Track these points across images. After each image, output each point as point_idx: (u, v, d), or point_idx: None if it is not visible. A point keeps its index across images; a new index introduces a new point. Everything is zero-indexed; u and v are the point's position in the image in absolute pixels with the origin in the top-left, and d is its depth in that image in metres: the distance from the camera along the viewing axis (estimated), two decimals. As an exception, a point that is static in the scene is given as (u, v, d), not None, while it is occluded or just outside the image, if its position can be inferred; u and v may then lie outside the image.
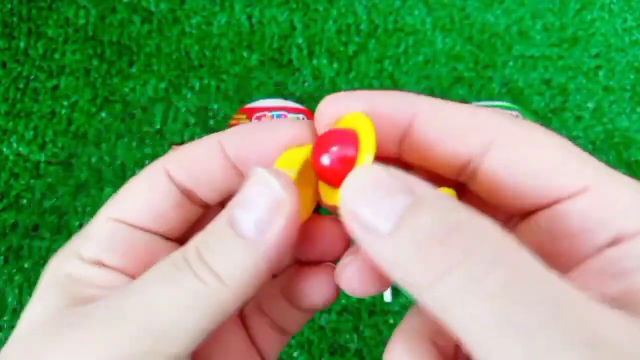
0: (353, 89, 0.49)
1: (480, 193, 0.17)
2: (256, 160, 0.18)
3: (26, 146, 0.46)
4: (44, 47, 0.50)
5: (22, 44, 0.50)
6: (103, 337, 0.14)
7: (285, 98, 0.48)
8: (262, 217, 0.14)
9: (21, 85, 0.48)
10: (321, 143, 0.16)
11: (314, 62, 0.51)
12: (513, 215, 0.17)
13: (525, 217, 0.16)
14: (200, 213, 0.19)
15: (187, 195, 0.18)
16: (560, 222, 0.15)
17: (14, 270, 0.42)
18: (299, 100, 0.48)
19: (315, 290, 0.18)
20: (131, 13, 0.52)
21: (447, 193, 0.15)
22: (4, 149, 0.46)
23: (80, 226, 0.43)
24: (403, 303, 0.42)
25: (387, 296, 0.41)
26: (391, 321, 0.41)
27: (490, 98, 0.50)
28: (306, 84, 0.50)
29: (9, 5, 0.52)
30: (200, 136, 0.50)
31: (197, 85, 0.49)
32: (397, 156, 0.17)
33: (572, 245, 0.15)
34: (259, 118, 0.45)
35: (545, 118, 0.49)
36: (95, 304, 0.15)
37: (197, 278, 0.14)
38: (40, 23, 0.51)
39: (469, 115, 0.16)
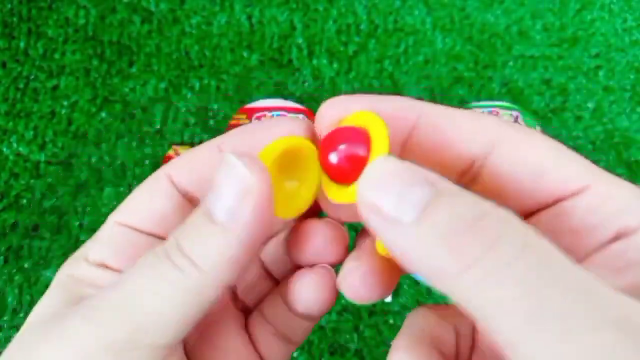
0: (353, 89, 0.49)
1: (484, 194, 0.17)
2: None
3: (26, 146, 0.46)
4: (44, 47, 0.50)
5: (22, 44, 0.50)
6: (85, 329, 0.15)
7: (285, 98, 0.48)
8: (231, 201, 0.15)
9: (21, 85, 0.48)
10: (330, 140, 0.16)
11: (314, 62, 0.51)
12: None
13: (528, 217, 0.17)
14: None
15: (189, 199, 0.18)
16: (563, 220, 0.15)
17: (14, 270, 0.42)
18: (299, 100, 0.48)
19: (309, 293, 0.18)
20: (131, 13, 0.52)
21: None
22: (4, 149, 0.46)
23: (80, 226, 0.43)
24: (403, 303, 0.42)
25: (387, 296, 0.41)
26: (391, 321, 0.41)
27: (490, 98, 0.50)
28: (306, 84, 0.50)
29: (9, 5, 0.52)
30: (200, 136, 0.50)
31: (197, 85, 0.49)
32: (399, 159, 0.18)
33: (576, 243, 0.15)
34: (259, 118, 0.45)
35: (545, 118, 0.49)
36: (85, 300, 0.16)
37: (175, 267, 0.15)
38: (40, 23, 0.51)
39: (471, 119, 0.17)
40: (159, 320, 0.15)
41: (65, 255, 0.42)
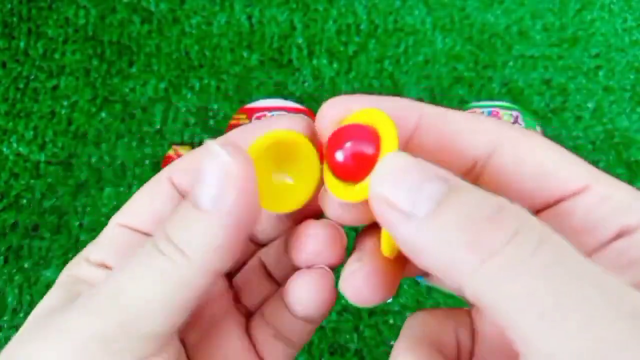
0: (353, 89, 0.49)
1: None
2: None
3: (26, 146, 0.46)
4: (44, 47, 0.50)
5: (22, 44, 0.50)
6: (78, 322, 0.15)
7: (285, 98, 0.48)
8: (215, 188, 0.15)
9: (21, 85, 0.48)
10: (336, 138, 0.16)
11: (314, 62, 0.51)
12: None
13: None
14: None
15: None
16: (564, 220, 0.15)
17: (14, 270, 0.42)
18: (299, 100, 0.48)
19: (306, 294, 0.18)
20: (131, 13, 0.52)
21: None
22: (4, 149, 0.46)
23: (80, 226, 0.43)
24: (403, 303, 0.42)
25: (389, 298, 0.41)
26: (391, 321, 0.41)
27: (490, 98, 0.50)
28: (306, 84, 0.50)
29: (9, 5, 0.52)
30: (200, 136, 0.50)
31: (197, 85, 0.49)
32: None
33: (578, 242, 0.15)
34: (259, 118, 0.45)
35: (545, 118, 0.49)
36: (80, 296, 0.16)
37: (162, 255, 0.15)
38: (40, 23, 0.51)
39: (471, 120, 0.17)
40: (148, 308, 0.15)
41: (65, 255, 0.42)
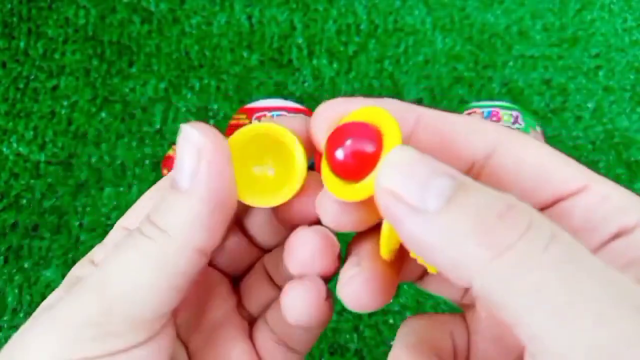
0: (353, 89, 0.49)
1: None
2: None
3: (26, 146, 0.46)
4: (44, 47, 0.50)
5: (22, 44, 0.50)
6: (67, 310, 0.15)
7: (285, 98, 0.48)
8: (189, 166, 0.15)
9: (21, 85, 0.48)
10: (337, 136, 0.16)
11: (314, 62, 0.51)
12: None
13: None
14: None
15: None
16: (563, 220, 0.15)
17: (14, 270, 0.42)
18: (299, 100, 0.48)
19: (296, 305, 0.17)
20: (131, 13, 0.52)
21: None
22: (4, 149, 0.46)
23: (80, 226, 0.43)
24: (403, 303, 0.42)
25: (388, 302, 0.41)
26: (391, 321, 0.41)
27: (490, 98, 0.50)
28: (306, 84, 0.50)
29: (9, 5, 0.52)
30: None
31: (197, 85, 0.49)
32: None
33: None
34: (259, 118, 0.45)
35: (545, 118, 0.49)
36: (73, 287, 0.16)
37: (148, 239, 0.15)
38: (40, 23, 0.51)
39: (469, 122, 0.17)
40: (136, 292, 0.15)
41: (65, 255, 0.42)
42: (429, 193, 0.13)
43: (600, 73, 0.51)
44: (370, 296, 0.16)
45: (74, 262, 0.43)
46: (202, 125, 0.16)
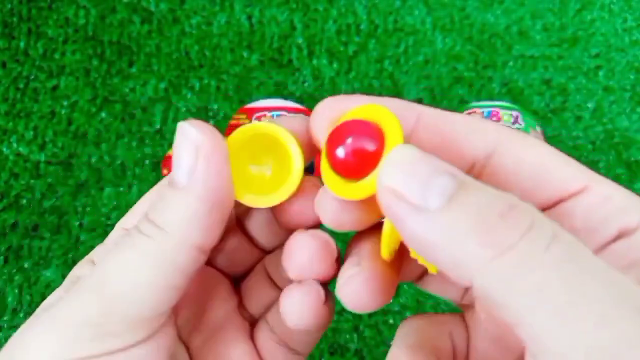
0: (353, 89, 0.49)
1: None
2: None
3: (26, 146, 0.46)
4: (44, 47, 0.50)
5: (22, 44, 0.50)
6: (66, 311, 0.15)
7: (285, 98, 0.48)
8: (187, 164, 0.15)
9: (21, 85, 0.48)
10: (337, 134, 0.16)
11: (314, 62, 0.51)
12: None
13: None
14: None
15: None
16: (564, 221, 0.15)
17: (14, 270, 0.42)
18: (299, 100, 0.48)
19: (294, 310, 0.17)
20: (131, 13, 0.52)
21: None
22: (4, 149, 0.46)
23: (80, 226, 0.43)
24: (403, 303, 0.42)
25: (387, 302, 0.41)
26: (391, 321, 0.41)
27: (490, 98, 0.50)
28: (306, 84, 0.50)
29: (9, 5, 0.52)
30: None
31: (197, 85, 0.49)
32: None
33: None
34: (259, 118, 0.45)
35: (545, 118, 0.49)
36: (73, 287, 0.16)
37: (145, 237, 0.15)
38: (40, 23, 0.51)
39: (470, 122, 0.17)
40: (134, 291, 0.15)
41: (65, 255, 0.42)
42: (430, 192, 0.13)
43: (600, 73, 0.51)
44: (370, 296, 0.16)
45: (74, 262, 0.43)
46: (199, 123, 0.16)
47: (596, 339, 0.11)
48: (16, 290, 0.41)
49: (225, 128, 0.46)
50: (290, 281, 0.18)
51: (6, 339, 0.16)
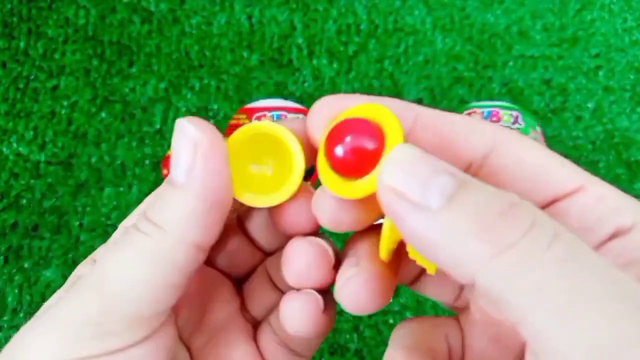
0: (353, 89, 0.49)
1: None
2: None
3: (26, 146, 0.46)
4: (44, 47, 0.50)
5: (22, 44, 0.50)
6: (66, 310, 0.15)
7: (285, 98, 0.48)
8: (185, 161, 0.15)
9: (21, 85, 0.48)
10: (337, 132, 0.16)
11: (314, 62, 0.51)
12: None
13: None
14: None
15: None
16: (560, 220, 0.15)
17: (14, 270, 0.42)
18: (299, 100, 0.48)
19: (293, 317, 0.17)
20: (131, 13, 0.52)
21: None
22: (4, 149, 0.46)
23: (80, 226, 0.43)
24: (403, 303, 0.42)
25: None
26: (391, 321, 0.41)
27: (490, 98, 0.50)
28: (306, 84, 0.50)
29: (9, 5, 0.52)
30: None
31: (197, 85, 0.49)
32: None
33: None
34: (259, 118, 0.45)
35: (545, 118, 0.49)
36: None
37: (144, 235, 0.15)
38: (40, 23, 0.51)
39: (467, 122, 0.17)
40: (132, 289, 0.15)
41: (65, 255, 0.42)
42: (431, 191, 0.13)
43: (600, 73, 0.51)
44: (369, 297, 0.16)
45: (74, 262, 0.43)
46: (198, 120, 0.16)
47: (596, 337, 0.11)
48: (16, 290, 0.41)
49: (225, 128, 0.46)
50: (290, 287, 0.18)
51: (6, 339, 0.16)
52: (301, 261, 0.17)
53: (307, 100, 0.49)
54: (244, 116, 0.46)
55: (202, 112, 0.48)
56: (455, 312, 0.19)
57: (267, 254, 0.20)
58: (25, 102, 0.48)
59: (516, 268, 0.12)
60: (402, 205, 0.13)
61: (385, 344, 0.16)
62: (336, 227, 0.16)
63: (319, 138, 0.16)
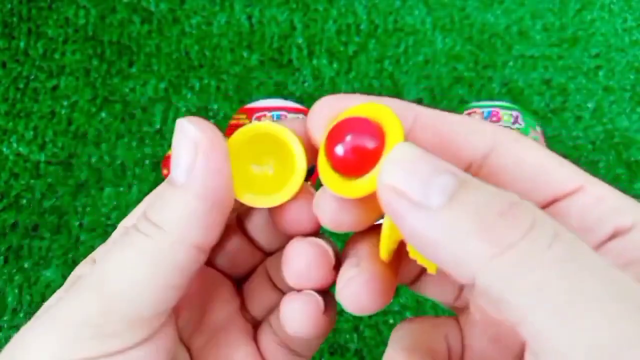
0: (353, 89, 0.49)
1: None
2: None
3: (26, 146, 0.46)
4: (44, 47, 0.50)
5: (22, 44, 0.50)
6: (66, 311, 0.15)
7: (285, 98, 0.48)
8: (186, 161, 0.15)
9: (21, 85, 0.48)
10: (337, 131, 0.16)
11: (314, 62, 0.51)
12: None
13: None
14: None
15: None
16: (560, 221, 0.15)
17: (14, 270, 0.42)
18: (299, 100, 0.48)
19: (294, 319, 0.17)
20: (131, 13, 0.52)
21: None
22: (4, 149, 0.46)
23: (80, 226, 0.43)
24: (403, 303, 0.42)
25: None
26: (391, 321, 0.41)
27: (490, 98, 0.50)
28: (306, 84, 0.50)
29: (9, 5, 0.52)
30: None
31: (197, 85, 0.49)
32: None
33: None
34: (259, 118, 0.45)
35: (545, 118, 0.49)
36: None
37: (144, 235, 0.15)
38: (40, 23, 0.51)
39: (467, 122, 0.17)
40: (132, 290, 0.15)
41: (65, 255, 0.42)
42: (431, 190, 0.13)
43: (600, 73, 0.51)
44: (370, 298, 0.16)
45: (74, 262, 0.43)
46: (198, 120, 0.16)
47: (596, 337, 0.11)
48: (16, 290, 0.41)
49: (225, 128, 0.46)
50: (291, 287, 0.18)
51: (6, 339, 0.16)
52: (301, 261, 0.17)
53: (307, 100, 0.49)
54: (244, 116, 0.46)
55: (202, 112, 0.48)
56: (455, 312, 0.19)
57: (267, 254, 0.20)
58: (25, 102, 0.48)
59: (516, 268, 0.12)
60: (403, 204, 0.13)
61: (385, 344, 0.16)
62: (337, 228, 0.16)
63: (319, 138, 0.16)
